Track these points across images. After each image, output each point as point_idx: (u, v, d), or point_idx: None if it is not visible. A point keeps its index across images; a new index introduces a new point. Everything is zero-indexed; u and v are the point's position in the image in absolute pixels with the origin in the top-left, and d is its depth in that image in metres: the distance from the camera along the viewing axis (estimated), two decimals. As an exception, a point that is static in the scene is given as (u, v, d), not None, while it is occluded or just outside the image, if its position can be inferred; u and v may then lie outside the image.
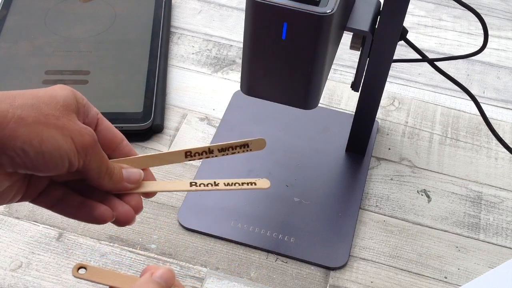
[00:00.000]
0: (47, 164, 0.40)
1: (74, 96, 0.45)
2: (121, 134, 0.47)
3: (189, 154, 0.47)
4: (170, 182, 0.49)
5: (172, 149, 0.71)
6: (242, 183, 0.49)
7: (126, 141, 0.47)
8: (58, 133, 0.40)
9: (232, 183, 0.48)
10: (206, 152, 0.47)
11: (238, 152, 0.48)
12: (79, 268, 0.43)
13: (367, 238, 0.64)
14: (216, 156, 0.47)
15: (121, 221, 0.45)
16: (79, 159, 0.41)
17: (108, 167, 0.44)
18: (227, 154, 0.48)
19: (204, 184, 0.48)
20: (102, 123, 0.46)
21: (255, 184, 0.49)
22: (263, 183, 0.50)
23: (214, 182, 0.48)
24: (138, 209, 0.46)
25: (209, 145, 0.47)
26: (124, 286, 0.43)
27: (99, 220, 0.45)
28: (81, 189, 0.45)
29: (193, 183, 0.48)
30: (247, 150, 0.48)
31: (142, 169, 0.47)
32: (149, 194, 0.48)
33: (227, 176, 0.68)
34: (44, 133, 0.39)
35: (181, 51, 0.83)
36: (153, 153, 0.48)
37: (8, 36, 0.80)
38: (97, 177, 0.44)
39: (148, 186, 0.47)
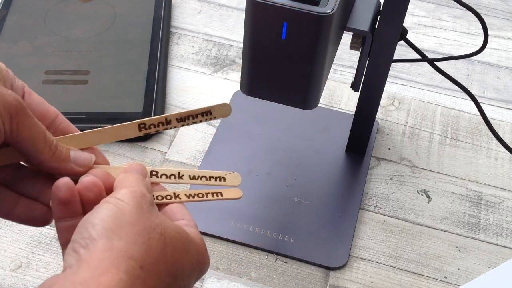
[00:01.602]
0: None
1: None
2: (55, 109, 0.41)
3: (143, 127, 0.42)
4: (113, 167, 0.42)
5: (171, 149, 0.71)
6: (210, 177, 0.44)
7: (61, 116, 0.42)
8: None
9: (198, 177, 0.43)
10: (163, 123, 0.42)
11: (201, 121, 0.43)
12: None
13: (367, 238, 0.64)
14: (175, 127, 0.43)
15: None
16: (4, 121, 0.35)
17: (47, 138, 0.38)
18: (188, 123, 0.43)
19: (166, 175, 0.43)
20: (30, 96, 0.40)
21: (224, 179, 0.44)
22: (234, 179, 0.44)
23: (179, 174, 0.43)
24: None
25: (166, 114, 0.42)
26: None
27: (40, 221, 0.41)
28: (16, 186, 0.40)
29: (154, 172, 0.43)
30: (211, 118, 0.43)
31: (90, 150, 0.41)
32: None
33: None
34: None
35: (181, 51, 0.83)
36: (100, 128, 0.41)
37: (8, 36, 0.80)
38: (34, 149, 0.38)
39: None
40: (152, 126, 0.42)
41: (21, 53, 0.78)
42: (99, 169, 0.41)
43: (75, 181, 0.39)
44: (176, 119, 0.43)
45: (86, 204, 0.39)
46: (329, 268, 0.62)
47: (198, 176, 0.44)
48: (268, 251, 0.62)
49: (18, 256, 0.60)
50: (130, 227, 0.35)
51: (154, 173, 0.43)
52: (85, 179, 0.39)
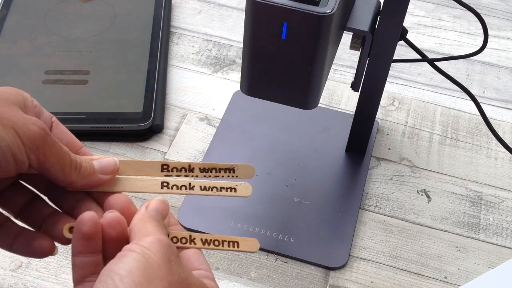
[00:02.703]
0: None
1: (21, 94, 0.38)
2: (79, 141, 0.42)
3: (166, 168, 0.43)
4: (139, 182, 0.43)
5: (171, 149, 0.71)
6: (221, 188, 0.44)
7: (84, 148, 0.42)
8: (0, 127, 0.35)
9: (209, 187, 0.43)
10: (185, 170, 0.43)
11: (222, 176, 0.43)
12: (70, 229, 0.39)
13: (367, 238, 0.64)
14: (196, 176, 0.43)
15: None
16: (29, 154, 0.36)
17: (72, 160, 0.39)
18: (210, 176, 0.43)
19: (177, 187, 0.43)
20: (58, 127, 0.41)
21: (235, 190, 0.44)
22: (245, 190, 0.44)
23: (190, 185, 0.43)
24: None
25: (190, 162, 0.43)
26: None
27: (38, 253, 0.40)
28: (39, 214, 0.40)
29: (164, 184, 0.43)
30: (233, 176, 0.43)
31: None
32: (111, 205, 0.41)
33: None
34: None
35: (181, 51, 0.83)
36: (124, 159, 0.42)
37: (8, 36, 0.80)
38: (62, 173, 0.38)
39: (117, 185, 0.42)
40: (174, 169, 0.43)
41: (21, 53, 0.78)
42: (121, 195, 0.41)
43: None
44: (199, 168, 0.43)
45: (107, 241, 0.38)
46: (329, 268, 0.62)
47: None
48: (268, 251, 0.62)
49: (18, 256, 0.60)
50: (159, 282, 0.34)
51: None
52: (109, 215, 0.38)
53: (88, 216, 0.37)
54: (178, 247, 0.41)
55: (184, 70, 0.81)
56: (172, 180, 0.43)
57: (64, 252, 0.61)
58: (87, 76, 0.75)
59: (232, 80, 0.80)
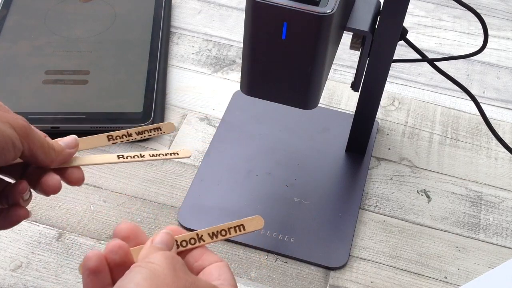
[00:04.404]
0: None
1: None
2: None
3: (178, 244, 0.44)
4: (99, 156, 0.51)
5: (171, 149, 0.71)
6: (166, 154, 0.52)
7: (47, 136, 0.48)
8: None
9: (156, 154, 0.51)
10: (194, 240, 0.44)
11: (232, 235, 0.45)
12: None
13: (367, 238, 0.64)
14: (207, 243, 0.45)
15: (50, 191, 0.47)
16: (23, 142, 0.43)
17: (49, 143, 0.46)
18: (220, 239, 0.45)
19: (130, 156, 0.51)
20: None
21: (178, 154, 0.52)
22: (185, 152, 0.53)
23: (140, 154, 0.52)
24: (80, 180, 0.49)
25: (198, 231, 0.44)
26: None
27: (15, 222, 0.48)
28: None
29: (120, 156, 0.51)
30: (242, 233, 0.45)
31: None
32: (75, 179, 0.49)
33: (226, 178, 0.68)
34: None
35: (181, 51, 0.83)
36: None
37: (8, 36, 0.80)
38: (44, 155, 0.46)
39: (78, 161, 0.50)
40: (184, 242, 0.44)
41: (21, 53, 0.78)
42: (128, 223, 0.43)
43: None
44: (208, 234, 0.44)
45: (113, 268, 0.40)
46: (329, 268, 0.62)
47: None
48: (268, 251, 0.62)
49: (18, 256, 0.60)
50: None
51: (120, 156, 0.48)
52: (109, 244, 0.40)
53: (92, 252, 0.40)
54: (190, 249, 0.43)
55: (184, 70, 0.81)
56: (127, 153, 0.51)
57: (64, 252, 0.61)
58: (87, 76, 0.75)
59: (232, 80, 0.80)
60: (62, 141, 0.48)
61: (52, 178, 0.47)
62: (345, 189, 0.68)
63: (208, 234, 0.44)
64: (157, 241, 0.42)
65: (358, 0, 0.59)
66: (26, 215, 0.48)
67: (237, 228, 0.45)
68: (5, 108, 0.45)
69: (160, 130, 0.52)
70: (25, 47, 0.79)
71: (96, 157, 0.52)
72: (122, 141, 0.52)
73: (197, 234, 0.44)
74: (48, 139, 0.47)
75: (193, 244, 0.43)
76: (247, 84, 0.53)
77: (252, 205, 0.65)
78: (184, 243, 0.43)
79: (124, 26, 0.83)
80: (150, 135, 0.53)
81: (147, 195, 0.66)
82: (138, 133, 0.51)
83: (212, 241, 0.44)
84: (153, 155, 0.53)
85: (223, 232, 0.44)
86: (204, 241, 0.44)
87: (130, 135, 0.51)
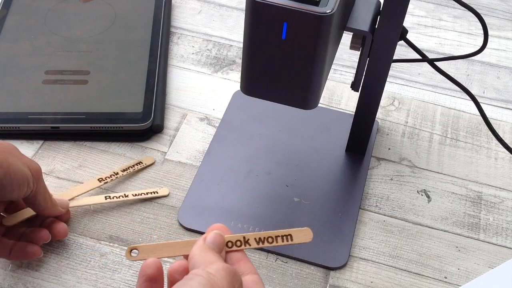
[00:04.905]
0: (13, 184, 0.49)
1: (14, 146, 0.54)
2: None
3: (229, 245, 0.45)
4: (89, 198, 0.63)
5: (171, 149, 0.71)
6: (147, 193, 0.64)
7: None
8: (18, 160, 0.50)
9: (138, 193, 0.63)
10: (241, 242, 0.45)
11: (279, 244, 0.46)
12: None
13: (367, 238, 0.64)
14: (252, 247, 0.45)
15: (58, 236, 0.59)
16: (34, 183, 0.52)
17: (49, 193, 0.56)
18: (266, 245, 0.45)
19: (116, 197, 0.63)
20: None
21: (157, 192, 0.65)
22: (163, 191, 0.65)
23: (124, 194, 0.64)
24: (64, 234, 0.59)
25: (245, 234, 0.45)
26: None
27: (30, 256, 0.57)
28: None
29: (107, 197, 0.63)
30: (289, 243, 0.46)
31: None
32: (59, 233, 0.59)
33: (226, 178, 0.68)
34: (10, 159, 0.49)
35: (181, 51, 0.83)
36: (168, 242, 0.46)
37: (8, 36, 0.80)
38: (44, 201, 0.54)
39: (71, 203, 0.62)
40: (229, 243, 0.45)
41: (21, 53, 0.78)
42: (155, 261, 0.43)
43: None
44: (255, 239, 0.45)
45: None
46: (329, 268, 0.62)
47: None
48: (268, 251, 0.62)
49: (18, 256, 0.60)
50: None
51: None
52: (175, 264, 0.42)
53: (152, 260, 0.42)
54: (235, 251, 0.44)
55: (184, 70, 0.81)
56: (113, 194, 0.63)
57: (63, 253, 0.61)
58: (87, 76, 0.75)
59: (232, 80, 0.80)
60: (58, 199, 0.58)
61: (62, 226, 0.58)
62: (345, 189, 0.68)
63: (255, 239, 0.44)
64: (209, 241, 0.42)
65: (358, 0, 0.59)
66: (39, 254, 0.57)
67: (284, 237, 0.45)
68: (20, 152, 0.52)
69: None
70: (25, 47, 0.78)
71: (86, 199, 0.63)
72: (112, 180, 0.65)
73: (244, 237, 0.44)
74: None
75: (238, 247, 0.44)
76: (247, 84, 0.53)
77: (252, 205, 0.65)
78: (230, 244, 0.44)
79: (124, 26, 0.83)
80: (134, 169, 0.67)
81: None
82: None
83: (258, 246, 0.44)
84: (135, 195, 0.64)
85: (269, 239, 0.45)
86: (250, 245, 0.44)
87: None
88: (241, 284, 0.39)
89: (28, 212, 0.58)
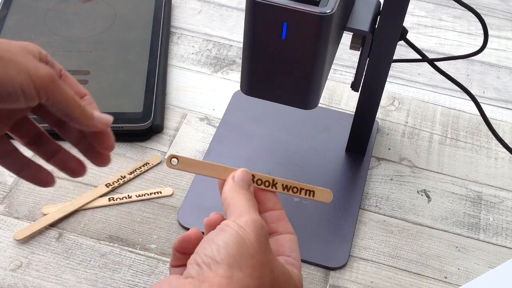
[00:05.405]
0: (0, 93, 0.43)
1: (39, 48, 0.48)
2: (85, 90, 0.51)
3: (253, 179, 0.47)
4: (93, 200, 0.63)
5: (171, 149, 0.71)
6: (150, 193, 0.65)
7: (89, 97, 0.51)
8: (11, 66, 0.43)
9: (290, 187, 0.51)
10: (269, 183, 0.47)
11: (301, 196, 0.48)
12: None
13: (367, 238, 0.64)
14: (278, 191, 0.48)
15: (75, 172, 0.52)
16: (40, 93, 0.44)
17: (77, 100, 0.47)
18: (289, 193, 0.48)
19: (120, 198, 0.64)
20: (67, 77, 0.51)
21: (161, 192, 0.65)
22: (167, 191, 0.65)
23: (128, 196, 0.64)
24: (107, 160, 0.54)
25: (274, 177, 0.47)
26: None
27: (41, 183, 0.51)
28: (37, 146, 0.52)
29: (111, 198, 0.64)
30: (311, 198, 0.48)
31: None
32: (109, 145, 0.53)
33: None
34: None
35: (181, 51, 0.83)
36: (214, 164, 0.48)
37: (8, 36, 0.80)
38: (67, 109, 0.46)
39: (71, 207, 0.63)
40: (259, 181, 0.47)
41: (21, 53, 0.77)
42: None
43: None
44: (282, 184, 0.47)
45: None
46: (329, 268, 0.62)
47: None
48: (268, 251, 0.62)
49: (18, 256, 0.60)
50: (250, 259, 0.40)
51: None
52: (212, 216, 0.46)
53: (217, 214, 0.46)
54: (261, 189, 0.47)
55: (184, 70, 0.81)
56: (116, 196, 0.65)
57: (64, 252, 0.61)
58: (87, 76, 0.75)
59: (232, 80, 0.80)
60: (98, 114, 0.50)
61: (77, 160, 0.52)
62: (345, 189, 0.68)
63: (282, 184, 0.47)
64: (237, 178, 0.46)
65: (358, 0, 0.59)
66: (52, 183, 0.52)
67: (307, 191, 0.48)
68: (32, 58, 0.46)
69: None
70: (25, 47, 0.78)
71: (88, 199, 0.63)
72: (120, 185, 0.65)
73: (273, 180, 0.47)
74: (81, 100, 0.49)
75: (266, 187, 0.46)
76: (247, 84, 0.53)
77: (252, 205, 0.65)
78: (259, 182, 0.46)
79: (124, 26, 0.83)
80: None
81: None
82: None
83: (283, 192, 0.47)
84: (139, 195, 0.64)
85: (294, 189, 0.47)
86: (276, 188, 0.47)
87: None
88: (267, 238, 0.42)
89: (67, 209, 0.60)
